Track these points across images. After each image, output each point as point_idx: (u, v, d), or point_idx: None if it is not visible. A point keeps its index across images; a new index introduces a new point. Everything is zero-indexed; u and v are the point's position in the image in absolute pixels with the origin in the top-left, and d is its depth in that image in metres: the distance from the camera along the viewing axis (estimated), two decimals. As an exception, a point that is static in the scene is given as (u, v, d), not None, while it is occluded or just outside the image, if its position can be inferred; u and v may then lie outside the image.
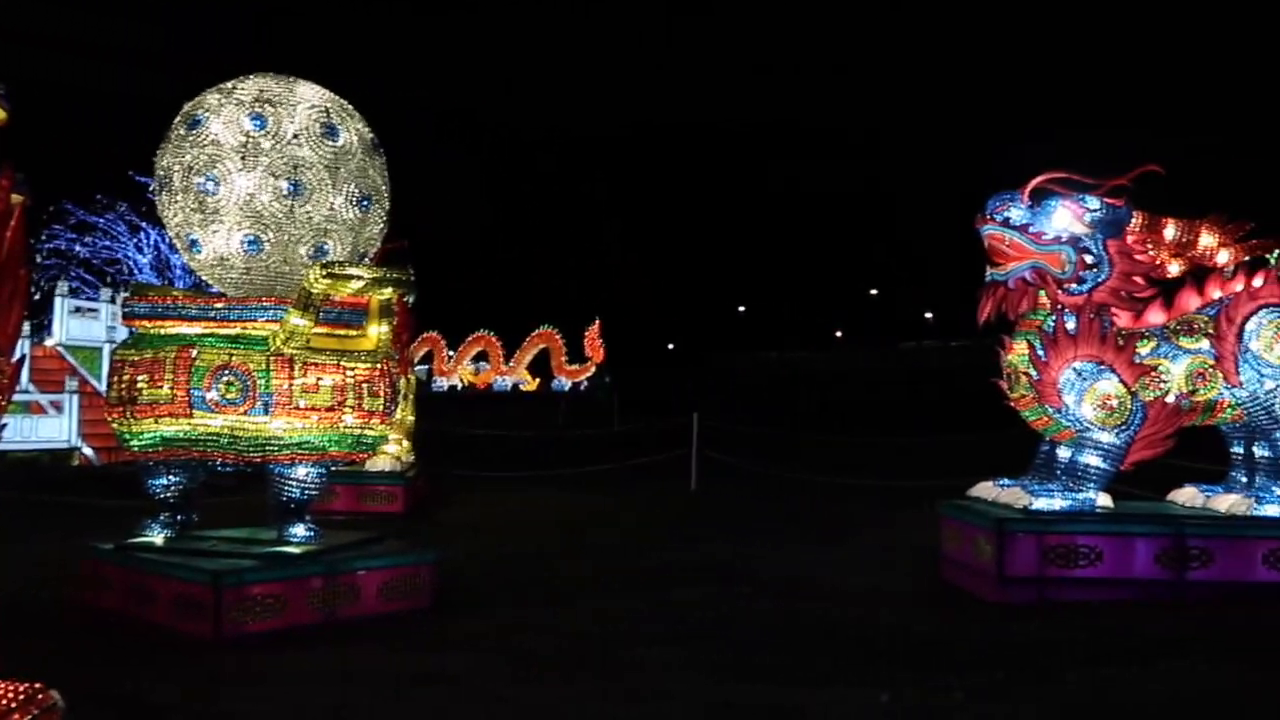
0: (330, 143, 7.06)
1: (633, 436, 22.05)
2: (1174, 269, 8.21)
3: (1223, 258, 8.03)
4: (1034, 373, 7.72)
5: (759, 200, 79.89)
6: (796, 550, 9.88)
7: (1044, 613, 7.17)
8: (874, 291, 73.89)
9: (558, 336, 69.09)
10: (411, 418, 13.22)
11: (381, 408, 6.98)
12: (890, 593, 8.00)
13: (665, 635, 6.77)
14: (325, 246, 7.09)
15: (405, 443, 12.96)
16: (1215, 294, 8.01)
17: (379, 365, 6.98)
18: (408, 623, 6.96)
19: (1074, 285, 7.72)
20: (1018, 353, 7.91)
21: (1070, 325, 7.69)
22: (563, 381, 62.68)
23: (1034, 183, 7.78)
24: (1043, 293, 7.80)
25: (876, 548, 9.97)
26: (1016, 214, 7.74)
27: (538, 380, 67.25)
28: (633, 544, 10.22)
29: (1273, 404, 7.73)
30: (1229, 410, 7.88)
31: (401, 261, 8.77)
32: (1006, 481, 8.18)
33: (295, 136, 6.99)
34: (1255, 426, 7.91)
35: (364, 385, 6.87)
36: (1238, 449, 8.25)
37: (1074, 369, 7.65)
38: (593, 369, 51.99)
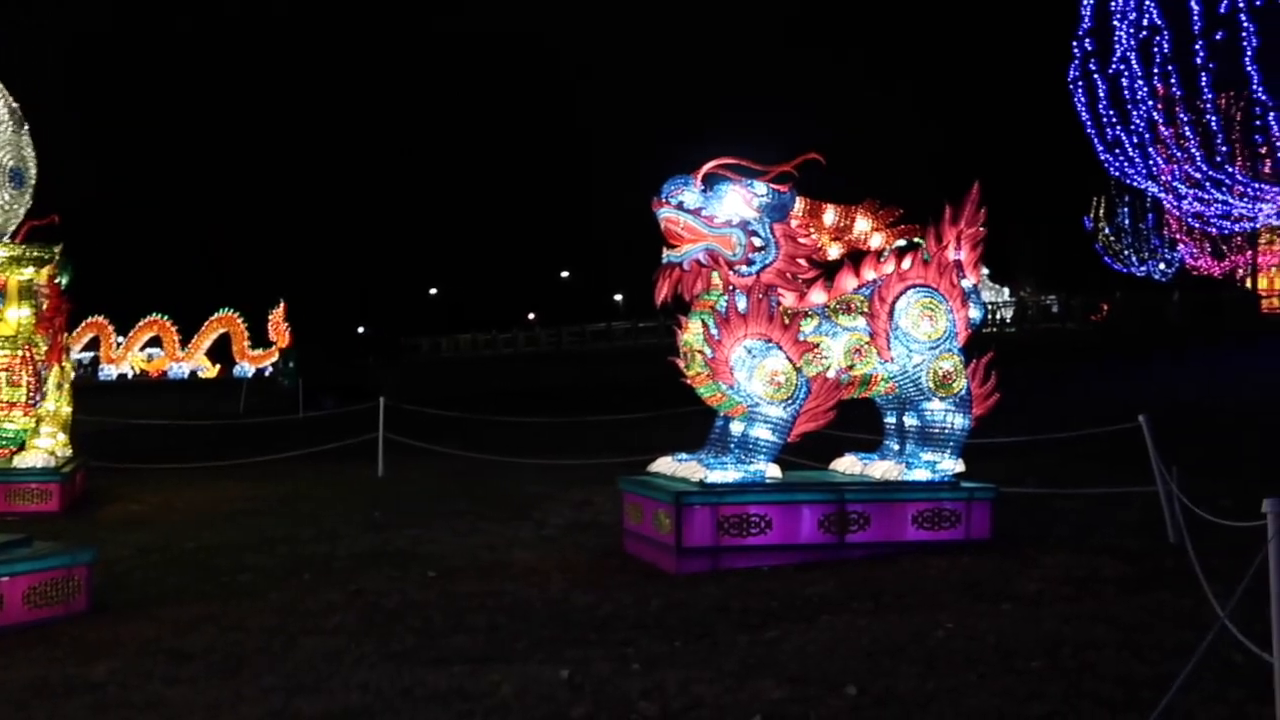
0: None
1: (319, 422, 21.38)
2: (834, 252, 8.75)
3: (876, 241, 8.63)
4: (708, 351, 8.02)
5: (448, 180, 79.14)
6: (485, 531, 9.86)
7: (719, 581, 7.48)
8: (565, 274, 75.00)
9: (239, 320, 66.13)
10: (68, 408, 12.21)
11: (24, 398, 6.41)
12: (576, 569, 8.12)
13: (351, 625, 6.60)
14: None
15: (61, 435, 11.94)
16: (870, 275, 8.59)
17: (20, 352, 6.39)
18: (60, 630, 6.43)
19: (744, 267, 8.07)
20: (693, 332, 8.20)
21: (741, 305, 8.04)
22: (245, 367, 60.04)
23: (706, 168, 8.08)
24: (715, 274, 8.11)
25: (564, 525, 10.10)
26: (690, 198, 8.00)
27: (219, 366, 64.10)
28: (318, 533, 9.87)
29: (919, 377, 8.37)
30: (882, 383, 8.47)
31: (49, 239, 8.07)
32: (684, 456, 8.47)
33: None
34: (905, 398, 8.55)
35: (2, 374, 6.27)
36: (891, 419, 8.88)
37: (745, 347, 8.01)
38: (277, 354, 49.92)
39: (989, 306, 50.40)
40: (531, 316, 75.06)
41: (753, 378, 8.01)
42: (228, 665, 5.68)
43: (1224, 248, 43.56)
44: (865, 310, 8.36)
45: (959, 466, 8.52)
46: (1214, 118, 26.53)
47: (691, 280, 8.09)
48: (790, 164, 8.22)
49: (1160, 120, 27.43)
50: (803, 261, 8.24)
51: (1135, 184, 30.98)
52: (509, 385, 35.21)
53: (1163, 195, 31.22)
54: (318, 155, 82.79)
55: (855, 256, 8.73)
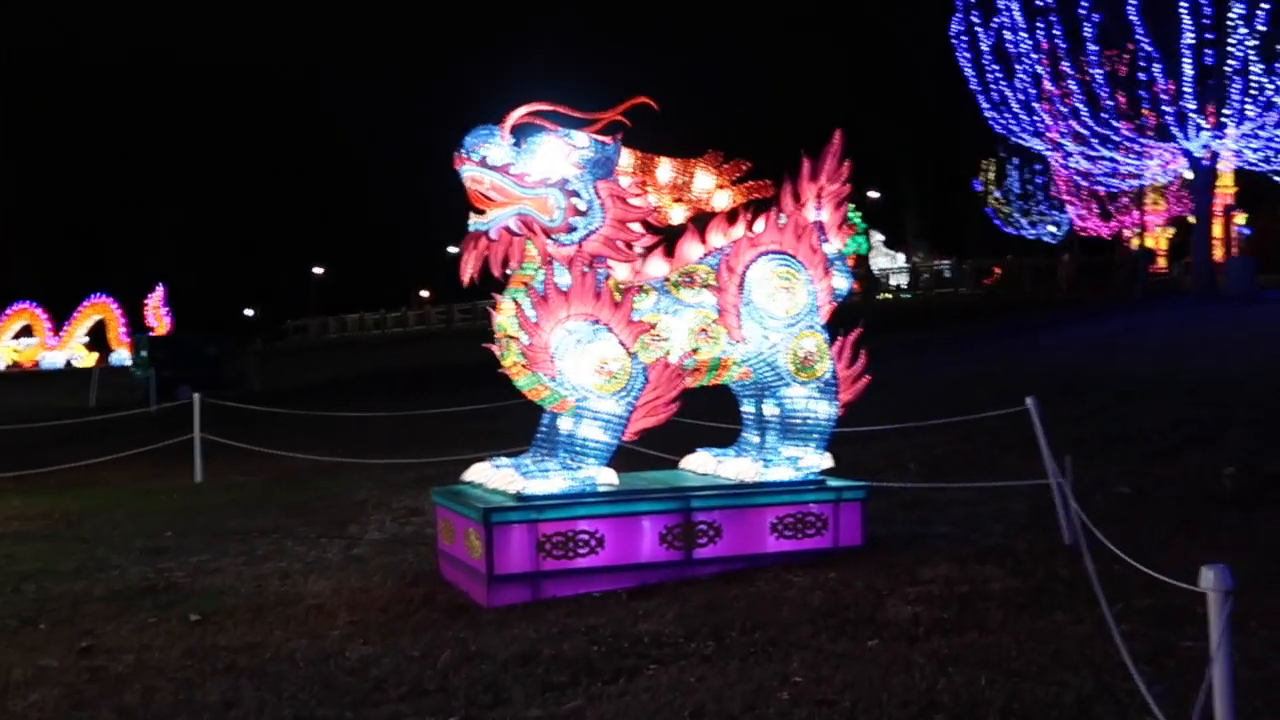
0: None
1: (169, 416, 19.63)
2: (678, 214, 7.46)
3: (721, 200, 7.35)
4: (523, 337, 6.68)
5: (330, 155, 76.31)
6: (287, 552, 8.44)
7: (536, 617, 6.17)
8: (452, 250, 72.86)
9: (113, 306, 63.08)
10: None
11: None
12: (371, 604, 6.75)
13: (49, 706, 5.17)
14: None
15: None
16: (718, 241, 7.31)
17: None
18: None
19: (564, 234, 6.72)
20: (507, 313, 6.85)
21: (562, 280, 6.71)
22: (123, 355, 57.06)
23: (515, 116, 6.68)
24: (532, 244, 6.76)
25: (381, 541, 8.71)
26: (496, 153, 6.61)
27: (98, 355, 61.03)
28: (83, 564, 8.33)
29: (776, 359, 7.15)
30: (735, 368, 7.23)
31: None
32: (503, 461, 7.14)
33: None
34: (762, 384, 7.33)
35: None
36: (749, 407, 7.65)
37: (567, 329, 6.69)
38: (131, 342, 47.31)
39: (884, 273, 50.03)
40: (425, 294, 72.85)
41: (578, 367, 6.69)
42: None
43: (1111, 208, 43.43)
44: (711, 282, 7.09)
45: (826, 461, 7.34)
46: (1099, 71, 25.82)
47: (501, 251, 6.71)
48: (618, 110, 6.88)
49: (1046, 75, 26.69)
50: (635, 226, 6.90)
51: (1021, 142, 30.29)
52: (389, 366, 33.58)
53: (1049, 153, 30.57)
54: (195, 133, 79.02)
55: (702, 221, 7.44)
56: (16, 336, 65.52)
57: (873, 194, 52.35)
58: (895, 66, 48.78)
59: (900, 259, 54.37)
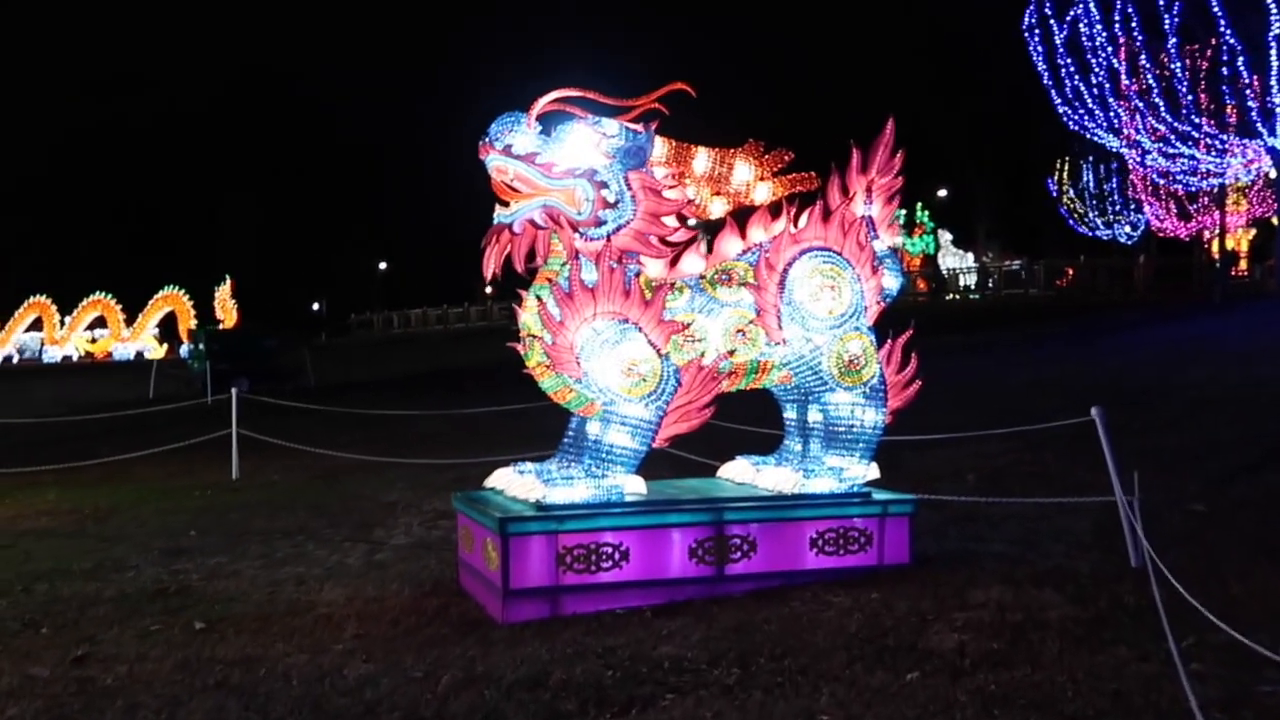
0: None
1: (223, 409, 19.57)
2: (716, 207, 7.01)
3: (762, 193, 6.87)
4: (548, 336, 6.27)
5: (391, 150, 76.69)
6: (308, 556, 8.11)
7: (551, 634, 5.76)
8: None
9: (184, 298, 64.01)
10: None
11: None
12: (383, 614, 6.39)
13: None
14: None
15: None
16: (759, 237, 6.85)
17: None
18: None
19: (593, 228, 6.31)
20: (531, 311, 6.44)
21: (589, 276, 6.29)
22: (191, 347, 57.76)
23: (542, 103, 6.28)
24: (558, 238, 6.34)
25: (405, 545, 8.36)
26: (522, 141, 6.21)
27: (167, 346, 61.97)
28: (100, 564, 8.08)
29: (819, 362, 6.66)
30: (775, 371, 6.76)
31: None
32: (526, 467, 6.72)
33: None
34: (805, 389, 6.85)
35: None
36: (791, 413, 7.17)
37: (593, 329, 6.26)
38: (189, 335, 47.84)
39: (953, 273, 49.00)
40: (489, 289, 73.00)
41: (605, 369, 6.27)
42: None
43: (1190, 208, 42.05)
44: (750, 280, 6.62)
45: (872, 473, 6.84)
46: (1179, 63, 24.82)
47: (524, 245, 6.31)
48: (653, 96, 6.45)
49: (1123, 69, 25.72)
50: (668, 220, 6.46)
51: (1096, 139, 29.31)
52: (446, 362, 33.47)
53: (1126, 150, 29.53)
54: (270, 128, 79.97)
55: (742, 215, 6.98)
56: (91, 327, 66.80)
57: (941, 192, 51.34)
58: (965, 58, 47.56)
59: (969, 258, 53.28)
